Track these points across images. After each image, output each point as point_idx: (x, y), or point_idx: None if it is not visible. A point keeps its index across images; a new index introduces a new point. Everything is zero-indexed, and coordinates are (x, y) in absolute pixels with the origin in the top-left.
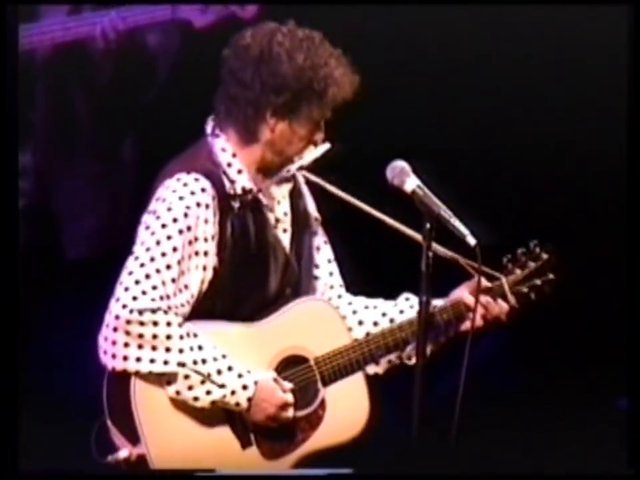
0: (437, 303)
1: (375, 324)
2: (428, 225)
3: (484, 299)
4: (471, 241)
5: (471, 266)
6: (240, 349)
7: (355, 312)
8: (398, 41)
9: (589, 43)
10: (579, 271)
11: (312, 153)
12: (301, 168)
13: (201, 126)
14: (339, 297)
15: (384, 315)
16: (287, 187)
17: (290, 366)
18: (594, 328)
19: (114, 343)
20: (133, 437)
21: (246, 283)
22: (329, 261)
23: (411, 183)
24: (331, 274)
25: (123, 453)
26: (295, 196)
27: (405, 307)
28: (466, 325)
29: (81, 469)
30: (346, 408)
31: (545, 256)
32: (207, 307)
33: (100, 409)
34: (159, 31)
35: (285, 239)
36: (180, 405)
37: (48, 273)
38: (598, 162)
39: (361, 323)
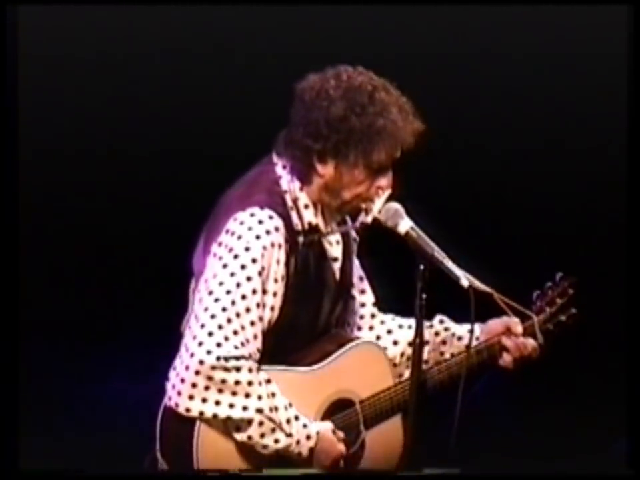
0: (457, 327)
1: (410, 344)
2: (421, 267)
3: (519, 341)
4: (464, 283)
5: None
6: (294, 394)
7: (389, 331)
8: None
9: (589, 43)
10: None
11: (376, 206)
12: (365, 223)
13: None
14: (372, 316)
15: None
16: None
17: (337, 409)
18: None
19: (194, 385)
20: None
21: (301, 316)
22: (363, 281)
23: (405, 225)
24: (366, 294)
25: None
26: (343, 222)
27: (440, 329)
28: (498, 363)
29: (81, 469)
30: (382, 448)
31: (570, 291)
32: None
33: (149, 440)
34: None
35: (336, 268)
36: (242, 450)
37: (49, 273)
38: (598, 166)
39: (395, 343)
